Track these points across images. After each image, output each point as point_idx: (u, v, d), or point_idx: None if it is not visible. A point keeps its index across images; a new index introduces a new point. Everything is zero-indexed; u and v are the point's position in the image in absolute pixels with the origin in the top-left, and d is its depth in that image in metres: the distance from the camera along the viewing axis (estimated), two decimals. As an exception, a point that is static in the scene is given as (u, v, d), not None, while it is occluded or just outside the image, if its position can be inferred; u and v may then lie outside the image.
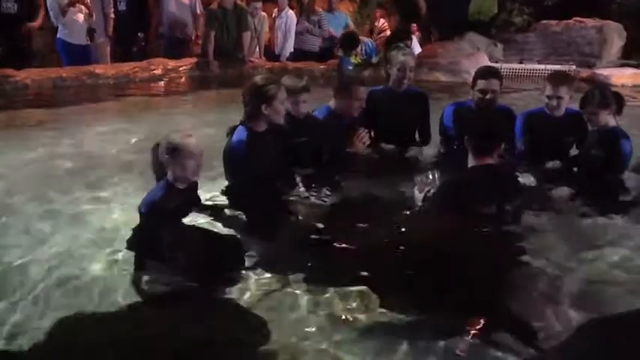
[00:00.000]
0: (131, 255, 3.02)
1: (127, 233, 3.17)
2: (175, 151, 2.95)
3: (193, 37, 9.29)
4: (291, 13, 9.68)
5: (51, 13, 7.83)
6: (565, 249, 3.30)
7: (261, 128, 3.62)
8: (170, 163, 2.97)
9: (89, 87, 7.77)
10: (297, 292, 2.83)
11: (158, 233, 2.97)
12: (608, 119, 3.99)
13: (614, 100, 4.02)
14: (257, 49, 9.53)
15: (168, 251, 2.95)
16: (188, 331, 2.52)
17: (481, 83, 4.29)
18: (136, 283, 2.89)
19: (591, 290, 2.91)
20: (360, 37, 9.56)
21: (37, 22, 7.90)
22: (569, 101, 4.31)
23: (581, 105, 4.09)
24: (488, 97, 4.25)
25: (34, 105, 6.79)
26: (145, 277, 2.91)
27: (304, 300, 2.78)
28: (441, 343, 2.44)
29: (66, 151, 4.97)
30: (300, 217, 3.59)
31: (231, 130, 3.62)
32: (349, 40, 8.92)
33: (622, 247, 3.35)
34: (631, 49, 10.51)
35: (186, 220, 3.22)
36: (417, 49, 9.70)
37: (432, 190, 3.72)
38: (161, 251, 2.94)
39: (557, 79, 4.30)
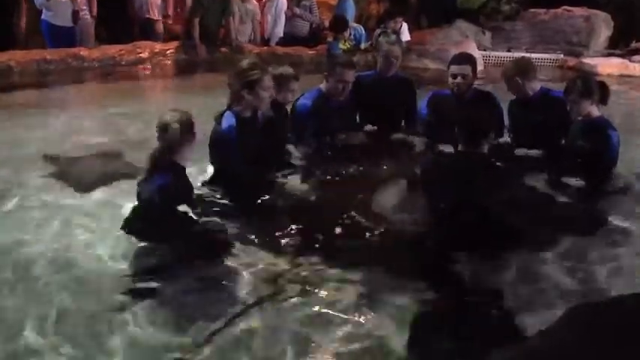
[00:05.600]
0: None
1: (113, 213, 3.16)
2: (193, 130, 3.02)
3: (162, 17, 9.19)
4: (283, -3, 9.60)
5: (36, -6, 7.70)
6: (548, 238, 3.32)
7: (247, 114, 3.59)
8: (188, 143, 3.02)
9: (74, 69, 7.67)
10: (287, 277, 2.84)
11: (172, 217, 3.00)
12: (591, 109, 3.93)
13: (599, 90, 3.95)
14: (252, 34, 9.48)
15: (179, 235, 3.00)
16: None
17: (453, 68, 4.35)
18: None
19: (576, 278, 2.95)
20: (350, 23, 9.52)
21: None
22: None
23: (564, 93, 4.09)
24: (458, 80, 4.32)
25: (17, 87, 6.70)
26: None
27: (293, 285, 2.79)
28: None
29: (49, 134, 4.91)
30: (288, 202, 3.60)
31: (219, 116, 3.58)
32: (338, 24, 8.88)
33: (604, 237, 3.40)
34: (618, 39, 10.57)
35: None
36: (406, 36, 9.68)
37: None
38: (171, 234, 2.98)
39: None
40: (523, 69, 4.30)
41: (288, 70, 4.04)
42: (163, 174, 2.96)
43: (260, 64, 3.62)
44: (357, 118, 4.78)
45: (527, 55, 9.42)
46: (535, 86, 4.31)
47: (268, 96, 3.59)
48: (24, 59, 7.46)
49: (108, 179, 3.89)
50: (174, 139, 2.95)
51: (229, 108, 3.57)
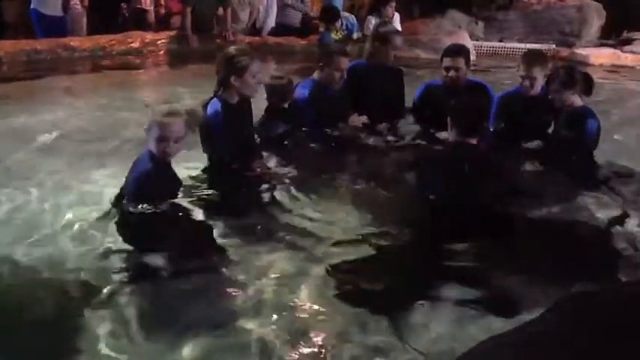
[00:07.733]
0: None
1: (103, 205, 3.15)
2: None
3: (152, 7, 9.13)
4: (274, -13, 9.54)
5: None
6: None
7: (233, 100, 3.59)
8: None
9: (65, 60, 7.60)
10: (279, 266, 2.83)
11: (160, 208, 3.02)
12: (574, 99, 3.95)
13: (582, 80, 3.97)
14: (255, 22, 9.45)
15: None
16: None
17: (446, 61, 4.35)
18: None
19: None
20: (341, 13, 9.47)
21: None
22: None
23: (546, 83, 4.10)
24: (451, 74, 4.33)
25: (7, 78, 6.63)
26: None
27: (286, 273, 2.79)
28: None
29: (39, 125, 4.86)
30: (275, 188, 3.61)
31: (206, 104, 3.59)
32: (329, 14, 8.83)
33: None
34: (610, 29, 10.57)
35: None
36: (397, 26, 9.65)
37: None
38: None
39: (530, 59, 4.26)
40: (545, 63, 4.27)
41: (286, 81, 4.14)
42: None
43: (249, 50, 3.65)
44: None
45: (522, 45, 9.47)
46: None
47: (256, 82, 3.61)
48: (13, 49, 7.39)
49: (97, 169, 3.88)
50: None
51: (215, 95, 3.58)
